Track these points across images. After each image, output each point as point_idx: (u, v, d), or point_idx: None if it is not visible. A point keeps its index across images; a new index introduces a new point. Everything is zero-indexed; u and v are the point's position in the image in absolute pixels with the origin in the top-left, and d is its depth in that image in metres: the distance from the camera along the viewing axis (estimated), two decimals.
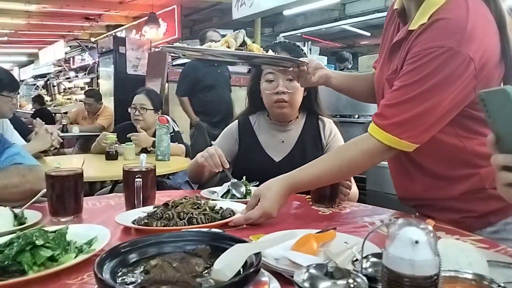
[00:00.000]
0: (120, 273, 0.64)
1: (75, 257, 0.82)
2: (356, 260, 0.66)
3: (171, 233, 0.76)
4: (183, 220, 1.03)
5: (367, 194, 2.15)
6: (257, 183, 1.45)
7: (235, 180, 1.44)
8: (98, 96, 5.21)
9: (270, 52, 1.30)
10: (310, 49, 4.84)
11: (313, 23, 7.18)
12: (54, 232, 0.87)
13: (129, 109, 2.82)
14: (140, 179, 1.18)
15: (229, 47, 1.17)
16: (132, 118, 2.81)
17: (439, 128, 1.00)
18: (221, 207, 1.13)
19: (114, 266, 0.64)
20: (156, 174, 1.32)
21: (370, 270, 0.62)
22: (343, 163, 1.08)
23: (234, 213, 1.11)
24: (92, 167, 2.39)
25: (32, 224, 1.05)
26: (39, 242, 0.80)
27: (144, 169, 1.24)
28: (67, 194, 1.14)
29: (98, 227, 0.98)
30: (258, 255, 0.64)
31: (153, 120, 2.76)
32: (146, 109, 2.77)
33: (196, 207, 1.10)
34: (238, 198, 1.36)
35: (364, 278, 0.58)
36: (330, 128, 1.70)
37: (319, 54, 4.93)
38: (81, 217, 1.18)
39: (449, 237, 0.94)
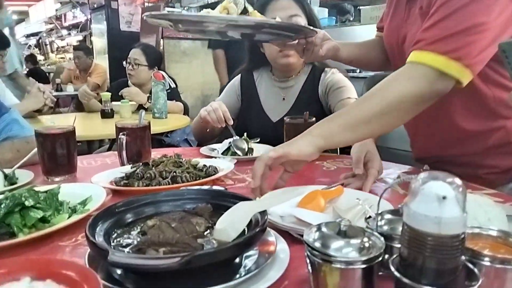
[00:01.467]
0: (115, 235, 0.60)
1: (68, 217, 0.77)
2: (369, 217, 0.61)
3: (169, 192, 0.71)
4: (166, 180, 0.97)
5: None
6: (258, 140, 1.40)
7: (237, 137, 1.38)
8: (87, 50, 5.07)
9: (277, 19, 1.15)
10: (310, 1, 4.62)
11: None
12: (46, 192, 0.82)
13: (124, 63, 2.72)
14: (124, 136, 1.11)
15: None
16: (127, 73, 2.73)
17: (490, 54, 0.86)
18: (204, 165, 1.07)
19: (108, 228, 0.59)
20: (154, 132, 1.26)
21: (385, 228, 0.57)
22: (383, 107, 0.85)
23: (218, 171, 1.06)
24: (88, 126, 2.33)
25: (24, 184, 1.00)
26: (28, 202, 0.75)
27: (136, 126, 1.17)
28: (59, 153, 1.08)
29: (93, 186, 0.93)
30: (264, 213, 0.59)
31: (146, 76, 2.68)
32: (139, 64, 2.67)
33: (178, 165, 1.04)
34: (239, 156, 1.30)
35: (380, 236, 0.53)
36: (330, 76, 1.53)
37: (319, 6, 4.71)
38: (76, 176, 1.13)
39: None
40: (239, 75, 1.69)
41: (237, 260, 0.56)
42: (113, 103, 2.48)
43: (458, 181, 0.46)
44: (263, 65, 1.65)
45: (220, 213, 0.60)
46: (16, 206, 0.73)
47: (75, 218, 0.75)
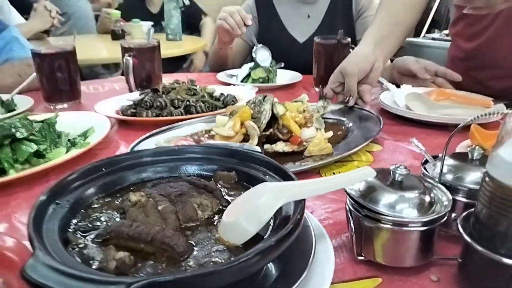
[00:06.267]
0: (86, 209, 0.41)
1: (67, 152, 0.67)
2: (426, 162, 0.49)
3: (178, 148, 0.51)
4: (179, 109, 0.86)
5: None
6: (282, 65, 1.25)
7: (260, 45, 1.23)
8: None
9: None
10: None
11: None
12: (42, 122, 0.72)
13: None
14: (131, 58, 0.98)
15: None
16: None
17: None
18: (221, 93, 0.94)
19: (78, 197, 0.41)
20: (167, 56, 1.12)
21: (449, 177, 0.45)
22: None
23: (237, 100, 0.93)
24: (98, 48, 2.18)
25: (24, 111, 0.90)
26: (20, 134, 0.66)
27: (144, 46, 1.03)
28: (60, 76, 0.97)
29: (96, 115, 0.82)
30: (300, 204, 0.36)
31: None
32: None
33: (192, 93, 0.92)
34: (262, 68, 1.17)
35: (446, 190, 0.41)
36: None
37: None
38: (81, 103, 1.03)
39: None
40: None
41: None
42: (123, 23, 2.30)
43: None
44: None
45: (245, 186, 0.43)
46: (6, 138, 0.64)
47: (74, 152, 0.66)
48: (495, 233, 0.35)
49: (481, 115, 0.41)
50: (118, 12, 2.30)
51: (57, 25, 2.18)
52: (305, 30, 1.39)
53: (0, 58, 1.14)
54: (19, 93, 1.00)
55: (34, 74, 1.00)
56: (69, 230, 0.38)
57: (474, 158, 0.45)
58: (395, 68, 1.10)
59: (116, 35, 2.26)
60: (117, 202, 0.43)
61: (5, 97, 0.96)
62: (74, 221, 0.39)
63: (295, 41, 1.40)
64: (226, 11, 1.21)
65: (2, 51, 1.15)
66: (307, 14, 1.40)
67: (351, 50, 1.08)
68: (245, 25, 1.21)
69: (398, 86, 0.98)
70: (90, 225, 0.38)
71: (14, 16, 2.27)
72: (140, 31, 2.25)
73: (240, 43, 1.43)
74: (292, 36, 1.41)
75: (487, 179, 0.35)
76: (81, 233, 0.37)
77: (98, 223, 0.39)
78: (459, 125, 0.41)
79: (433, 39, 1.96)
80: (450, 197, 0.40)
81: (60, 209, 0.39)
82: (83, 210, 0.41)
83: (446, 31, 2.00)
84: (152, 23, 2.47)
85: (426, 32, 2.17)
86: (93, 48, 2.14)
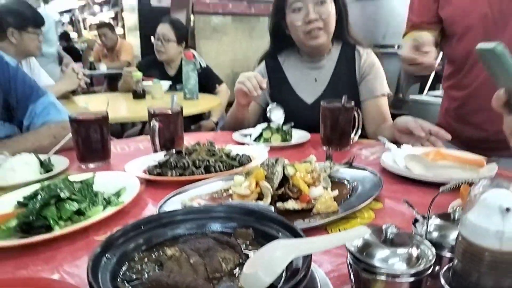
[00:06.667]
0: (130, 262, 0.49)
1: (103, 209, 0.77)
2: (417, 221, 0.57)
3: (202, 208, 0.61)
4: (200, 169, 0.96)
5: None
6: (292, 124, 1.36)
7: (274, 104, 1.36)
8: (110, 26, 5.09)
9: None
10: None
11: None
12: (80, 182, 0.82)
13: (153, 39, 2.71)
14: (157, 122, 1.10)
15: None
16: (155, 49, 2.71)
17: None
18: (237, 154, 1.04)
19: (123, 253, 0.50)
20: (185, 115, 1.24)
21: (434, 234, 0.53)
22: None
23: (251, 159, 1.03)
24: (120, 107, 2.34)
25: (60, 172, 1.01)
26: (64, 194, 0.75)
27: (168, 112, 1.15)
28: (94, 138, 1.08)
29: (127, 175, 0.93)
30: (307, 258, 0.44)
31: (175, 52, 2.67)
32: (169, 40, 2.65)
33: (211, 153, 1.02)
34: (275, 129, 1.28)
35: (431, 246, 0.49)
36: (367, 59, 1.49)
37: None
38: (110, 162, 1.13)
39: None
40: (263, 62, 1.63)
41: None
42: (144, 83, 2.48)
43: None
44: (287, 47, 1.58)
45: (260, 242, 0.51)
46: (52, 198, 0.74)
47: (110, 211, 0.75)
48: (469, 284, 0.42)
49: (461, 183, 0.50)
50: (140, 74, 2.48)
51: (83, 86, 2.37)
52: (313, 92, 1.51)
53: (38, 121, 1.27)
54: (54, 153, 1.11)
55: (69, 135, 1.12)
56: (118, 280, 0.46)
57: (456, 218, 0.53)
58: (395, 127, 1.20)
59: (137, 95, 2.44)
60: (155, 256, 0.51)
61: (42, 157, 1.07)
62: (121, 272, 0.48)
63: (304, 103, 1.52)
64: (244, 76, 1.35)
65: (41, 115, 1.28)
66: (314, 78, 1.53)
67: (354, 112, 1.19)
68: (261, 88, 1.33)
69: (398, 145, 1.07)
70: (134, 276, 0.47)
71: (43, 78, 2.47)
72: (159, 91, 2.43)
73: (255, 105, 1.55)
74: (300, 98, 1.53)
75: (460, 238, 0.43)
76: (127, 283, 0.46)
77: (140, 275, 0.47)
78: (439, 191, 0.49)
79: (435, 96, 2.07)
80: (434, 252, 0.48)
81: (109, 262, 0.47)
82: (127, 263, 0.49)
83: None
84: (170, 82, 2.65)
85: (429, 89, 2.29)
86: (117, 107, 2.30)
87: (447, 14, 1.28)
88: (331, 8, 1.41)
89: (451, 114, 1.42)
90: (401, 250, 0.48)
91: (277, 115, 1.40)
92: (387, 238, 0.49)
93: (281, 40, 1.56)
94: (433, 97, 2.08)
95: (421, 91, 2.51)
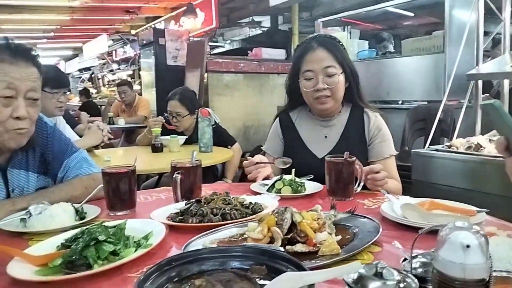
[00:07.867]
0: None
1: (135, 251, 0.88)
2: (405, 259, 0.67)
3: (224, 248, 0.73)
4: (217, 216, 1.07)
5: (412, 183, 2.12)
6: (311, 177, 1.47)
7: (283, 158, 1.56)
8: (130, 84, 5.41)
9: None
10: (350, 33, 4.72)
11: (352, 5, 6.95)
12: (114, 227, 0.94)
13: (166, 114, 2.90)
14: (179, 175, 1.23)
15: None
16: (172, 123, 2.89)
17: None
18: (250, 202, 1.16)
19: (163, 281, 0.62)
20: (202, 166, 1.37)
21: (419, 270, 0.63)
22: None
23: (263, 208, 1.14)
24: (140, 160, 2.49)
25: (92, 218, 1.13)
26: (101, 237, 0.87)
27: (189, 165, 1.29)
28: (123, 189, 1.21)
29: (153, 222, 1.04)
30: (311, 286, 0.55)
31: (191, 121, 2.87)
32: (182, 115, 2.84)
33: (227, 202, 1.14)
34: (287, 181, 1.40)
35: (414, 278, 0.59)
36: (375, 123, 1.63)
37: (360, 38, 4.79)
38: (135, 211, 1.25)
39: (501, 233, 0.92)
40: (278, 118, 1.79)
41: None
42: (162, 137, 2.65)
43: (481, 230, 0.52)
44: (301, 105, 1.74)
45: (272, 276, 0.60)
46: (92, 241, 0.85)
47: (141, 252, 0.86)
48: None
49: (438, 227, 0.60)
50: (159, 130, 2.67)
51: (106, 142, 2.53)
52: (323, 148, 1.65)
53: (71, 174, 1.41)
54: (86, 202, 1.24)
55: (99, 186, 1.25)
56: None
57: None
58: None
59: (156, 148, 2.60)
60: (185, 286, 0.62)
61: (76, 205, 1.19)
62: None
63: (315, 157, 1.64)
64: (246, 164, 1.54)
65: (74, 168, 1.42)
66: (325, 135, 1.68)
67: (357, 166, 1.31)
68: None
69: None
70: None
71: (68, 133, 2.64)
72: (176, 144, 2.59)
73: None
74: (312, 152, 1.66)
75: (434, 270, 0.54)
76: None
77: None
78: (418, 234, 0.60)
79: (436, 150, 2.19)
80: (418, 284, 0.58)
81: None
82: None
83: (448, 143, 2.23)
84: (186, 137, 2.82)
85: (431, 143, 2.40)
86: (138, 160, 2.45)
87: None
88: (339, 79, 1.56)
89: None
90: (390, 282, 0.58)
91: (284, 165, 1.54)
92: (377, 272, 0.59)
93: (296, 98, 1.72)
94: (435, 151, 2.19)
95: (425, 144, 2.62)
